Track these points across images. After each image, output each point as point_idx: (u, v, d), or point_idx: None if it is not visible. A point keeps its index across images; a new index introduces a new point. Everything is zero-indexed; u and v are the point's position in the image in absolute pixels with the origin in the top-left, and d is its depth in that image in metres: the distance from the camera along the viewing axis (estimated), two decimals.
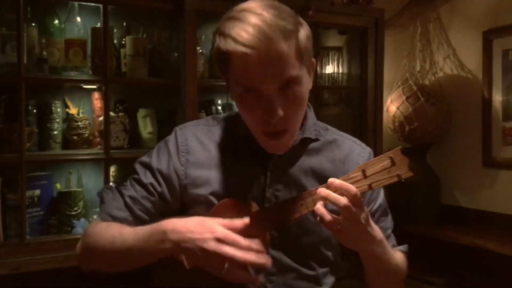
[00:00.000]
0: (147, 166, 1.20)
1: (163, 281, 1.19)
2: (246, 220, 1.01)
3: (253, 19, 1.02)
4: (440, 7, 2.85)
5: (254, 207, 1.09)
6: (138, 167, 1.22)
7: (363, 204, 1.02)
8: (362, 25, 2.60)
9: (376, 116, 2.63)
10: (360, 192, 1.01)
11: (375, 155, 1.09)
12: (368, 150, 1.28)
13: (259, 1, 1.07)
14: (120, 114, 2.26)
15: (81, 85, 2.26)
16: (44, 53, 2.10)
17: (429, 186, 2.80)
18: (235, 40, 1.02)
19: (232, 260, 0.96)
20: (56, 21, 2.16)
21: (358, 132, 2.59)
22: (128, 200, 1.17)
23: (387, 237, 1.22)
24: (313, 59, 1.16)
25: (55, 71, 2.12)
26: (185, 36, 2.16)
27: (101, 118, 2.20)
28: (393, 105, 2.75)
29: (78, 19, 2.17)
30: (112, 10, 2.15)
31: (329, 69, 2.76)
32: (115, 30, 2.27)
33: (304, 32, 1.09)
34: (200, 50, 2.34)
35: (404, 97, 2.70)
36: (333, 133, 1.27)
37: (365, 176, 1.02)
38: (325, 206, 1.02)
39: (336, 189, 1.01)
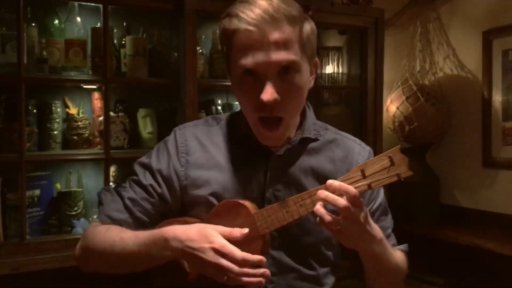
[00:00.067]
0: (147, 167, 1.20)
1: (163, 281, 1.19)
2: (245, 230, 1.02)
3: (261, 1, 1.04)
4: (440, 7, 2.85)
5: (254, 207, 1.09)
6: (137, 168, 1.21)
7: (362, 204, 1.02)
8: (362, 25, 2.60)
9: (376, 116, 2.63)
10: (360, 192, 1.01)
11: (375, 155, 1.09)
12: (368, 149, 1.28)
13: None
14: (120, 114, 2.26)
15: (81, 85, 2.26)
16: (44, 53, 2.10)
17: (429, 186, 2.80)
18: (240, 18, 1.05)
19: (229, 272, 0.97)
20: (56, 21, 2.16)
21: (358, 132, 2.59)
22: (127, 201, 1.17)
23: (387, 237, 1.22)
24: (317, 59, 1.17)
25: (55, 71, 2.12)
26: (185, 36, 2.16)
27: (101, 118, 2.20)
28: (393, 105, 2.75)
29: (78, 19, 2.17)
30: (112, 10, 2.15)
31: (329, 69, 2.76)
32: (115, 30, 2.27)
33: (309, 25, 1.11)
34: (200, 50, 2.34)
35: (404, 97, 2.70)
36: (332, 132, 1.27)
37: (364, 176, 1.02)
38: (325, 206, 1.02)
39: (335, 190, 1.01)
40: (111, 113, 2.19)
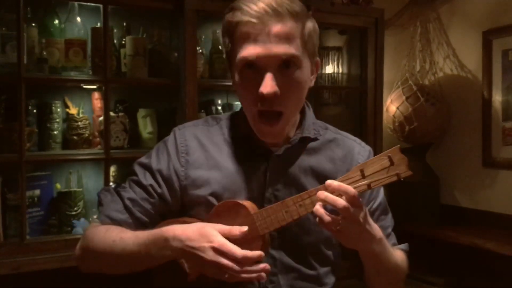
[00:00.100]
0: (147, 167, 1.20)
1: (163, 281, 1.19)
2: (244, 228, 1.02)
3: None
4: (440, 7, 2.85)
5: (254, 207, 1.09)
6: (137, 168, 1.21)
7: (361, 204, 1.02)
8: (362, 25, 2.60)
9: (376, 116, 2.63)
10: (359, 192, 1.01)
11: (375, 154, 1.09)
12: (367, 148, 1.28)
13: None
14: (120, 114, 2.26)
15: (81, 85, 2.26)
16: (44, 53, 2.10)
17: (429, 186, 2.80)
18: (243, 11, 1.06)
19: (229, 271, 0.97)
20: (56, 21, 2.16)
21: (358, 132, 2.59)
22: (127, 202, 1.17)
23: (387, 236, 1.22)
24: (318, 59, 1.17)
25: (55, 71, 2.12)
26: (185, 36, 2.16)
27: (101, 118, 2.20)
28: (393, 105, 2.75)
29: (78, 19, 2.17)
30: (112, 10, 2.15)
31: (329, 69, 2.76)
32: (115, 30, 2.27)
33: (311, 23, 1.13)
34: (200, 50, 2.34)
35: (404, 97, 2.70)
36: (332, 132, 1.27)
37: (363, 176, 1.02)
38: (324, 206, 1.02)
39: (334, 191, 1.01)
40: (111, 113, 2.19)
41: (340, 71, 2.77)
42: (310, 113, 1.25)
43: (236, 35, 1.09)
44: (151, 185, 1.17)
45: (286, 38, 1.06)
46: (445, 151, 2.87)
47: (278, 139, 1.17)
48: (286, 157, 1.18)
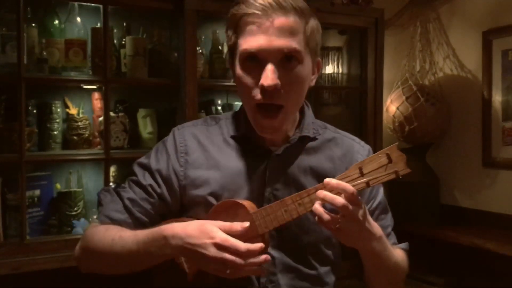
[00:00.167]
0: (146, 168, 1.20)
1: (163, 281, 1.19)
2: (245, 224, 1.02)
3: None
4: (440, 7, 2.85)
5: (253, 207, 1.09)
6: (136, 169, 1.21)
7: (360, 202, 1.02)
8: (362, 25, 2.60)
9: (376, 116, 2.63)
10: (358, 190, 1.01)
11: None
12: (367, 147, 1.28)
13: None
14: (120, 114, 2.26)
15: (81, 85, 2.27)
16: (44, 53, 2.10)
17: (429, 186, 2.80)
18: (248, 4, 1.07)
19: (233, 265, 0.97)
20: (56, 21, 2.16)
21: (358, 132, 2.59)
22: (127, 202, 1.17)
23: (387, 235, 1.22)
24: (319, 59, 1.18)
25: (55, 71, 2.12)
26: (185, 36, 2.16)
27: (101, 118, 2.20)
28: (393, 105, 2.75)
29: (78, 19, 2.17)
30: (112, 10, 2.15)
31: (329, 69, 2.76)
32: (115, 30, 2.27)
33: (315, 22, 1.13)
34: (200, 50, 2.34)
35: (404, 97, 2.70)
36: (331, 131, 1.28)
37: (362, 174, 1.02)
38: (324, 205, 1.02)
39: (333, 189, 1.01)
40: (111, 113, 2.19)
41: (340, 71, 2.77)
42: (309, 113, 1.25)
43: (240, 27, 1.09)
44: (150, 185, 1.17)
45: (289, 31, 1.06)
46: (445, 151, 2.87)
47: (277, 135, 1.17)
48: (286, 156, 1.18)
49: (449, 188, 2.85)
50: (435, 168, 2.86)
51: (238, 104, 2.47)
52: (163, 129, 2.33)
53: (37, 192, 2.13)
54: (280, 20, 1.06)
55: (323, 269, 1.20)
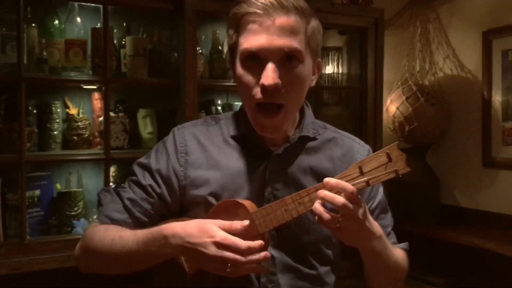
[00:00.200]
0: (146, 168, 1.20)
1: (163, 281, 1.19)
2: (245, 222, 1.02)
3: None
4: (440, 7, 2.85)
5: (253, 207, 1.09)
6: (136, 169, 1.21)
7: (360, 201, 1.02)
8: (362, 25, 2.60)
9: (376, 116, 2.63)
10: (358, 189, 1.01)
11: None
12: (367, 147, 1.28)
13: None
14: (120, 114, 2.26)
15: (81, 85, 2.27)
16: (44, 53, 2.10)
17: (429, 186, 2.80)
18: (249, 3, 1.07)
19: (234, 263, 0.97)
20: (56, 22, 2.16)
21: (358, 132, 2.59)
22: (127, 202, 1.17)
23: (387, 235, 1.22)
24: (319, 60, 1.18)
25: (55, 71, 2.12)
26: (185, 36, 2.16)
27: (101, 119, 2.20)
28: (393, 105, 2.75)
29: (78, 19, 2.17)
30: (112, 10, 2.15)
31: (329, 69, 2.76)
32: (115, 30, 2.27)
33: (316, 22, 1.14)
34: (200, 50, 2.34)
35: (404, 97, 2.70)
36: (331, 131, 1.28)
37: (362, 173, 1.02)
38: (324, 204, 1.02)
39: (332, 188, 1.01)
40: (111, 113, 2.19)
41: (340, 71, 2.77)
42: (309, 113, 1.25)
43: (241, 26, 1.10)
44: (150, 185, 1.17)
45: (290, 31, 1.07)
46: (445, 151, 2.87)
47: (277, 134, 1.17)
48: (286, 156, 1.18)
49: (449, 188, 2.85)
50: (435, 168, 2.86)
51: (238, 104, 2.47)
52: (163, 129, 2.33)
53: (37, 192, 2.13)
54: (282, 19, 1.06)
55: (323, 269, 1.20)
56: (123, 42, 2.28)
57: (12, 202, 2.01)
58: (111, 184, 2.14)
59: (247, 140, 1.19)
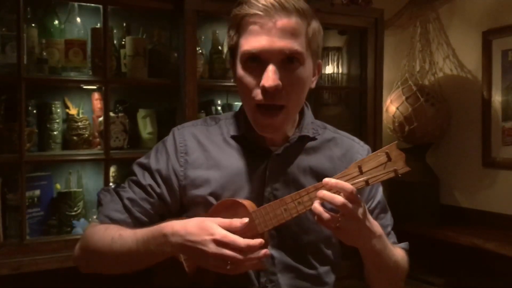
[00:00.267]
0: (146, 168, 1.20)
1: (163, 281, 1.19)
2: (245, 220, 1.02)
3: None
4: (440, 7, 2.85)
5: (252, 206, 1.09)
6: (136, 169, 1.21)
7: (360, 200, 1.02)
8: (362, 26, 2.60)
9: (376, 117, 2.63)
10: (357, 188, 1.01)
11: None
12: (366, 147, 1.28)
13: None
14: (120, 114, 2.27)
15: (81, 85, 2.27)
16: (44, 53, 2.10)
17: (429, 186, 2.80)
18: (250, 4, 1.07)
19: (233, 261, 0.97)
20: (56, 22, 2.16)
21: (358, 133, 2.59)
22: (126, 202, 1.17)
23: (387, 234, 1.22)
24: (320, 61, 1.18)
25: (55, 72, 2.12)
26: (185, 36, 2.16)
27: (101, 119, 2.20)
28: (392, 105, 2.75)
29: (78, 19, 2.17)
30: (112, 11, 2.15)
31: (329, 69, 2.76)
32: (115, 31, 2.27)
33: (316, 23, 1.13)
34: (200, 51, 2.34)
35: (403, 97, 2.70)
36: (331, 131, 1.28)
37: (361, 172, 1.02)
38: (323, 204, 1.02)
39: (332, 188, 1.01)
40: (111, 114, 2.19)
41: (340, 71, 2.77)
42: (308, 113, 1.25)
43: (242, 28, 1.10)
44: (150, 185, 1.17)
45: (291, 33, 1.06)
46: (445, 151, 2.87)
47: (277, 134, 1.17)
48: (285, 156, 1.18)
49: (449, 188, 2.85)
50: (435, 168, 2.86)
51: (238, 104, 2.47)
52: (163, 129, 2.33)
53: (37, 192, 2.13)
54: (283, 21, 1.06)
55: (323, 269, 1.20)
56: (123, 42, 2.28)
57: (12, 202, 2.01)
58: (111, 184, 2.14)
59: (247, 140, 1.19)
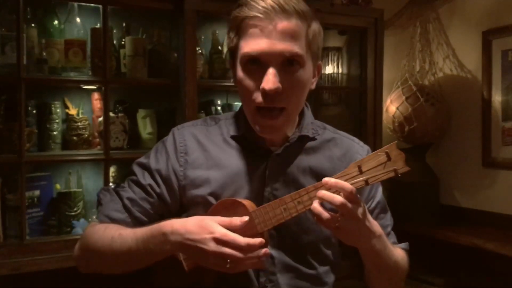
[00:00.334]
0: (145, 167, 1.20)
1: (163, 281, 1.18)
2: (244, 218, 1.02)
3: None
4: (440, 7, 2.85)
5: (252, 206, 1.09)
6: (136, 168, 1.21)
7: (359, 200, 1.02)
8: (362, 26, 2.60)
9: (376, 117, 2.63)
10: (357, 188, 1.01)
11: None
12: (366, 148, 1.28)
13: None
14: (120, 114, 2.26)
15: (81, 85, 2.27)
16: (44, 53, 2.10)
17: (429, 186, 2.80)
18: (250, 7, 1.07)
19: (233, 259, 0.97)
20: (56, 22, 2.16)
21: (357, 133, 2.59)
22: (126, 201, 1.17)
23: (387, 234, 1.22)
24: (320, 63, 1.18)
25: (55, 72, 2.12)
26: (185, 36, 2.16)
27: (100, 119, 2.20)
28: (392, 106, 2.75)
29: (78, 19, 2.17)
30: (112, 11, 2.15)
31: (329, 69, 2.76)
32: (114, 31, 2.27)
33: (317, 25, 1.13)
34: (200, 51, 2.34)
35: (403, 97, 2.70)
36: (331, 131, 1.28)
37: (361, 172, 1.02)
38: (323, 204, 1.02)
39: (331, 188, 1.01)
40: (111, 114, 2.19)
41: (340, 71, 2.77)
42: (308, 113, 1.25)
43: (242, 30, 1.09)
44: (150, 185, 1.17)
45: (291, 35, 1.06)
46: (445, 151, 2.87)
47: (277, 135, 1.17)
48: (285, 156, 1.18)
49: (449, 188, 2.85)
50: (435, 168, 2.86)
51: (238, 104, 2.47)
52: (162, 130, 2.33)
53: (37, 192, 2.13)
54: (283, 24, 1.06)
55: (322, 269, 1.20)
56: (123, 42, 2.28)
57: (11, 203, 2.01)
58: (110, 184, 2.14)
59: (247, 140, 1.19)
